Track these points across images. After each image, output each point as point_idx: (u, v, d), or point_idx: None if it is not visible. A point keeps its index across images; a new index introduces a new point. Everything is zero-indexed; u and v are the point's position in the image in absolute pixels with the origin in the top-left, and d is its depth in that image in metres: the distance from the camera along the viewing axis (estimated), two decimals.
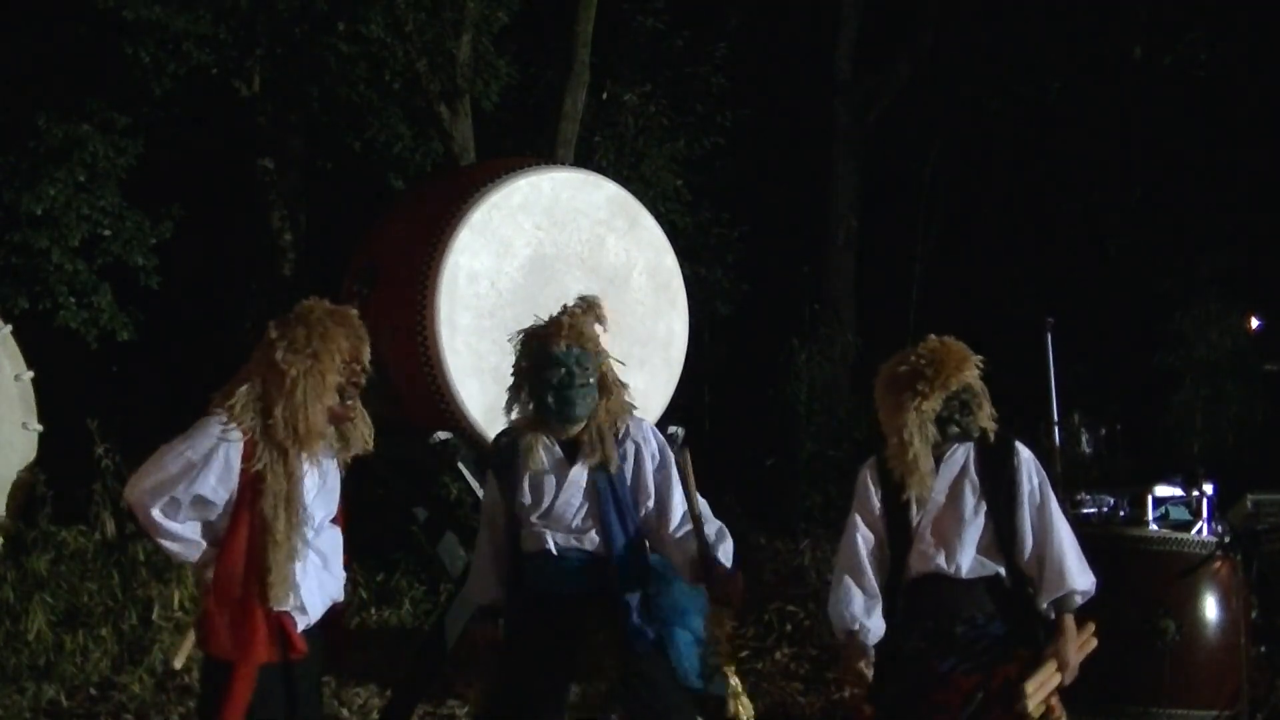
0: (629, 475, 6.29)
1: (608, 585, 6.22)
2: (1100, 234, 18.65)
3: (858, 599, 6.23)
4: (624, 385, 6.33)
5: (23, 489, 6.90)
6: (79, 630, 10.83)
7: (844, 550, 6.35)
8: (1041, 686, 5.97)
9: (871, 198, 18.97)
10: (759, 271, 17.96)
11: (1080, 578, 6.09)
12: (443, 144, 13.67)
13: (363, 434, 5.96)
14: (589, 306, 6.26)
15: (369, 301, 7.39)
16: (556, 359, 6.16)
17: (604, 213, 7.54)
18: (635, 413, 6.39)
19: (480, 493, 7.19)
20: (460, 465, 7.15)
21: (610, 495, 6.24)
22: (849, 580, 6.27)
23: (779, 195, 19.36)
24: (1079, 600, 6.11)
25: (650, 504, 6.30)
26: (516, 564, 6.29)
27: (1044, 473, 6.19)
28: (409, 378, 7.16)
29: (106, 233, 14.30)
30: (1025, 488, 6.12)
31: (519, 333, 6.32)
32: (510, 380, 6.30)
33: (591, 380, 6.21)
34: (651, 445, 6.34)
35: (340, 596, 6.01)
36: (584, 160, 13.76)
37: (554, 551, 6.23)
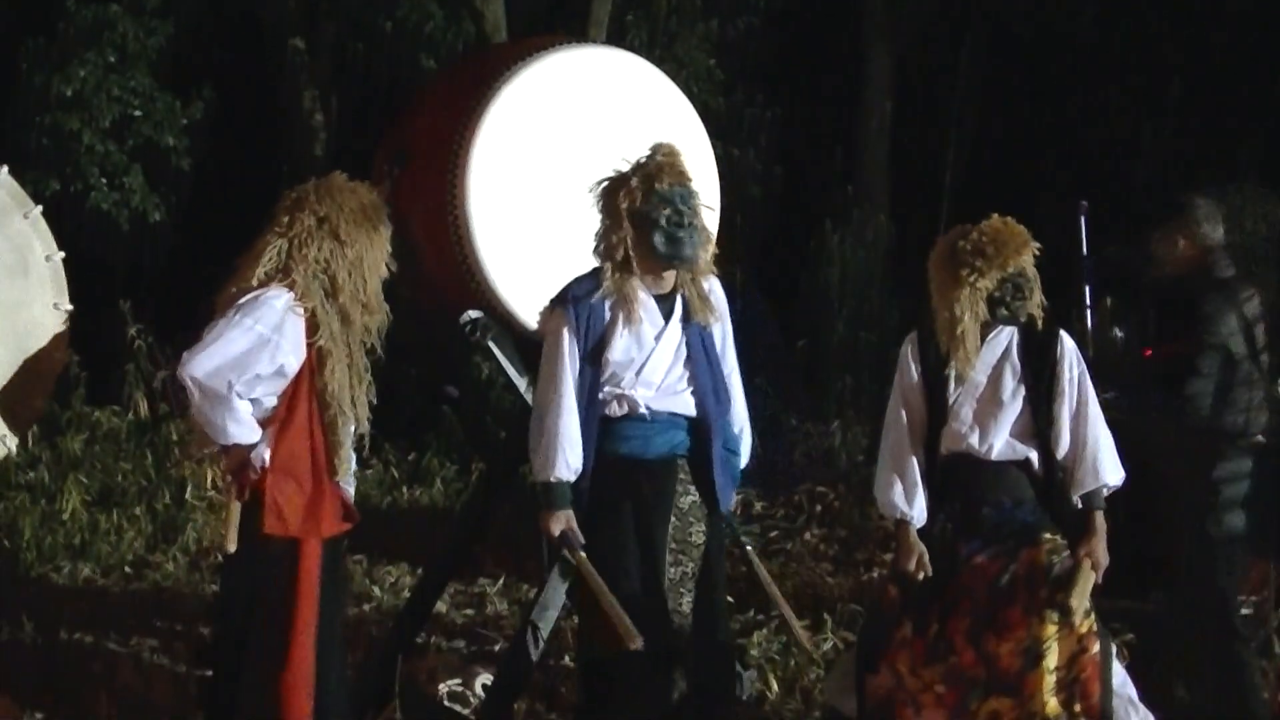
0: (717, 336, 6.13)
1: (696, 447, 6.06)
2: (1138, 117, 18.48)
3: (898, 485, 6.25)
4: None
5: (55, 370, 6.92)
6: (113, 510, 10.93)
7: (886, 430, 6.37)
8: (1083, 595, 5.96)
9: (906, 80, 18.80)
10: (792, 154, 17.85)
11: (1113, 473, 6.11)
12: (474, 24, 13.58)
13: None
14: (674, 150, 6.11)
15: (400, 181, 7.36)
16: (663, 196, 5.94)
17: (636, 92, 7.49)
18: None
19: (512, 372, 7.17)
20: (491, 344, 7.13)
21: (703, 355, 6.06)
22: (890, 465, 6.29)
23: (813, 77, 19.20)
24: (1107, 494, 6.13)
25: (726, 368, 6.18)
26: (597, 430, 6.01)
27: (1085, 365, 6.16)
28: (440, 257, 7.14)
29: (137, 114, 14.31)
30: (1066, 377, 6.10)
31: (607, 178, 6.09)
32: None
33: (696, 221, 5.99)
34: (724, 309, 6.19)
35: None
36: (616, 40, 13.64)
37: (646, 415, 6.00)
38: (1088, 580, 5.98)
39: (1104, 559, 6.03)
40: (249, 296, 5.71)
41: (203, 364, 5.60)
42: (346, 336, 5.82)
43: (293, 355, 5.72)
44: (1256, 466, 6.57)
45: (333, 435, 5.83)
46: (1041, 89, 18.85)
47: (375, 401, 6.01)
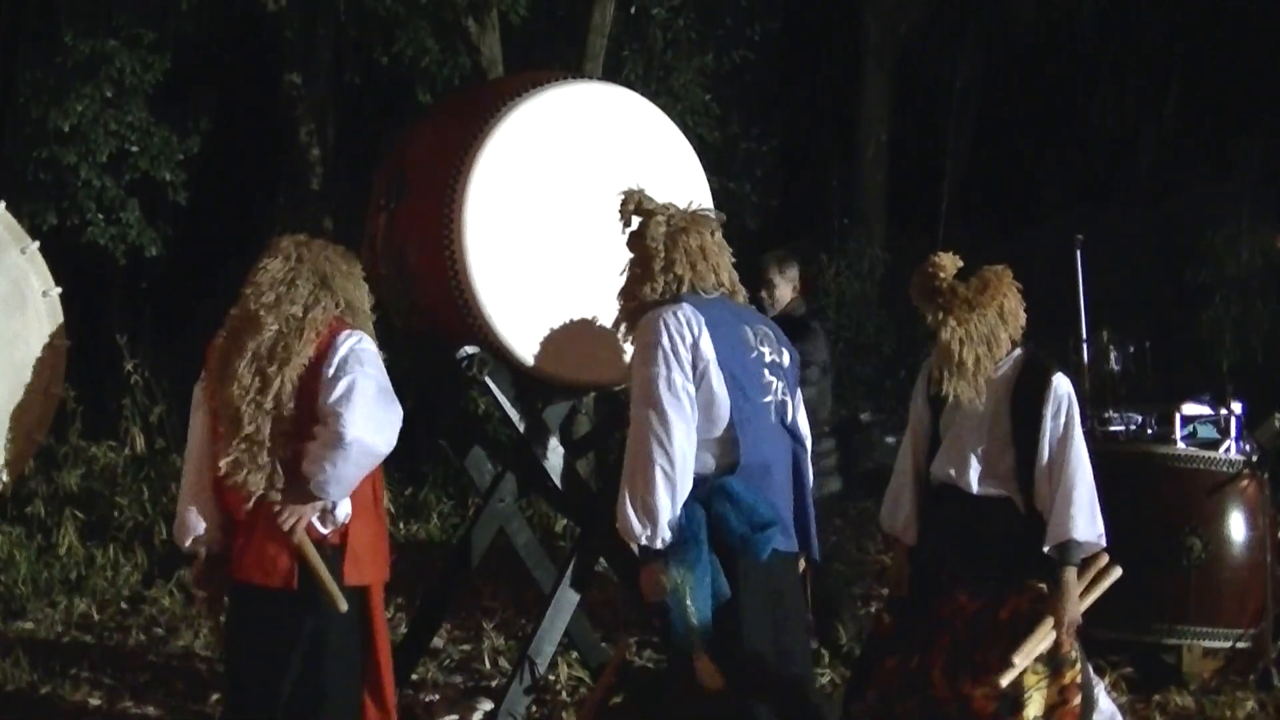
0: None
1: None
2: (1133, 147, 18.54)
3: (895, 503, 6.36)
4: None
5: (52, 405, 6.91)
6: (110, 545, 10.91)
7: (900, 449, 6.43)
8: (1029, 655, 5.89)
9: (901, 110, 18.85)
10: (788, 185, 17.88)
11: (1084, 528, 5.93)
12: (470, 58, 13.60)
13: None
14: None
15: (397, 214, 7.37)
16: None
17: (632, 127, 7.50)
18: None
19: (508, 407, 7.16)
20: (488, 380, 7.13)
21: None
22: (894, 483, 6.39)
23: (808, 109, 19.24)
24: (1082, 552, 5.97)
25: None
26: None
27: (1075, 410, 6.03)
28: (437, 291, 7.13)
29: (134, 148, 14.32)
30: (1049, 422, 5.99)
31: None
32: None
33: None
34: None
35: None
36: (612, 74, 13.67)
37: None
38: (1041, 639, 5.90)
39: (1070, 617, 5.93)
40: (354, 342, 5.72)
41: (367, 426, 5.57)
42: None
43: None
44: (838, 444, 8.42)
45: (382, 480, 5.92)
46: (1038, 115, 18.92)
47: None
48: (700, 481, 5.65)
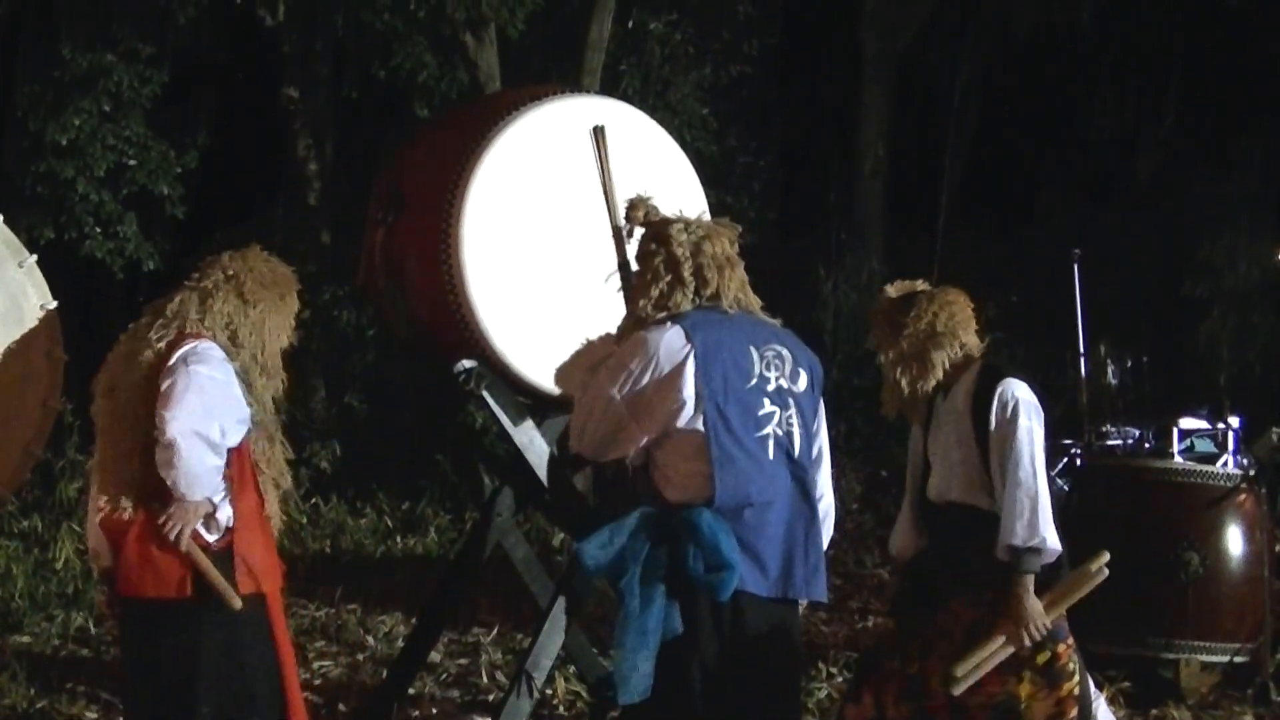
0: None
1: None
2: (1133, 148, 18.57)
3: (898, 523, 6.36)
4: None
5: (50, 418, 6.91)
6: None
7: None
8: (977, 668, 5.81)
9: (901, 113, 18.86)
10: (785, 199, 17.90)
11: (1021, 531, 5.78)
12: (468, 72, 13.63)
13: None
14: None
15: (395, 228, 7.35)
16: None
17: (630, 141, 7.50)
18: None
19: (506, 421, 7.14)
20: (485, 394, 7.12)
21: None
22: (904, 505, 6.37)
23: (806, 123, 19.26)
24: (1033, 560, 5.78)
25: None
26: None
27: (1024, 413, 5.88)
28: (434, 305, 7.13)
29: (132, 162, 14.34)
30: (993, 425, 5.89)
31: None
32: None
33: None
34: None
35: None
36: (610, 88, 13.69)
37: None
38: (990, 651, 5.82)
39: (1024, 628, 5.80)
40: (188, 347, 5.67)
41: (190, 417, 5.52)
42: (257, 394, 5.83)
43: (244, 405, 5.73)
44: None
45: (264, 492, 5.86)
46: (1036, 128, 18.94)
47: (292, 456, 6.07)
48: (673, 508, 5.57)
